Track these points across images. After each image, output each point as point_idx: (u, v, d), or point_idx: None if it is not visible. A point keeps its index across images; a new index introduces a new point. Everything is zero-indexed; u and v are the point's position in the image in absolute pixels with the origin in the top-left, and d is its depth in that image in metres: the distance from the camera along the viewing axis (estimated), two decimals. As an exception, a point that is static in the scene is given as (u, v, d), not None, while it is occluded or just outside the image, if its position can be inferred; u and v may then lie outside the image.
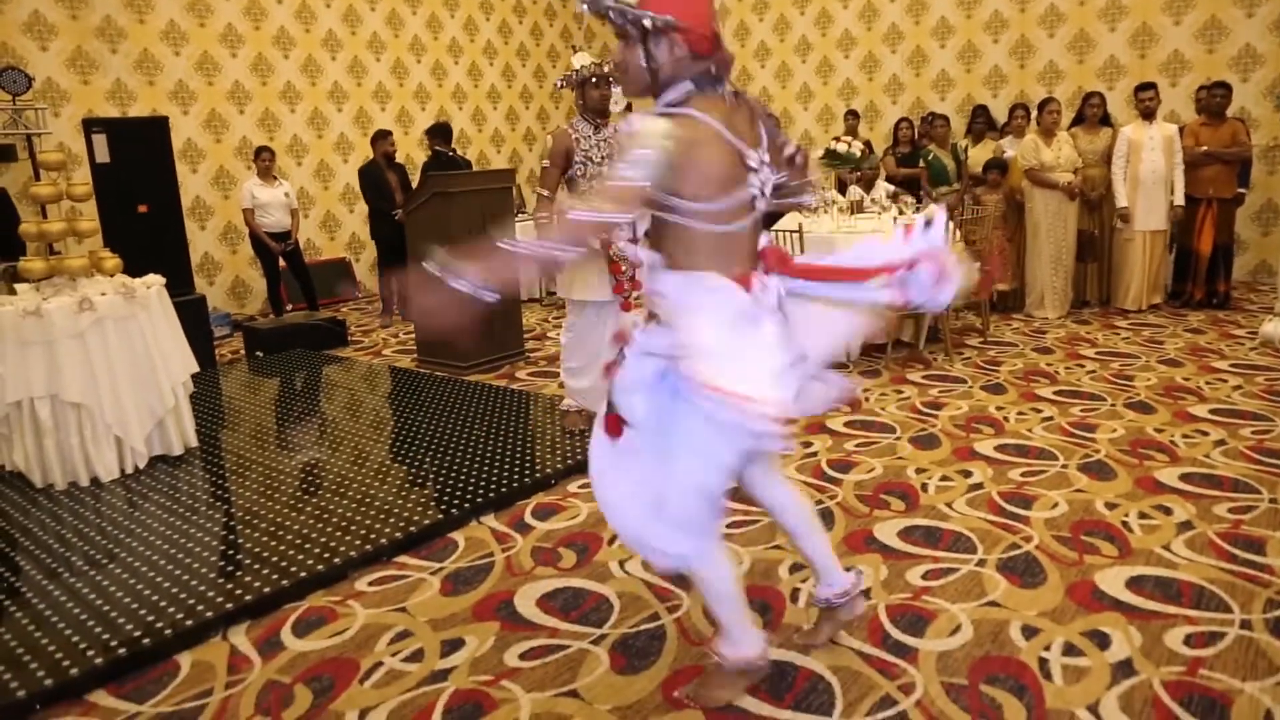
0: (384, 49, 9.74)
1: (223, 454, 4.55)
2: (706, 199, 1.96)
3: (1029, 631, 2.52)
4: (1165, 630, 2.49)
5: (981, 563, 2.94)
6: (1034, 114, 7.11)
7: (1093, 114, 6.94)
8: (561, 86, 4.41)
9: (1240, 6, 7.67)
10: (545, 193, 4.24)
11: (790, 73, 10.24)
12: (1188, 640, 2.44)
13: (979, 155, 7.45)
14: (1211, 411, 4.39)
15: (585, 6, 1.96)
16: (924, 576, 2.87)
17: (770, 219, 6.47)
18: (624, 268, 4.24)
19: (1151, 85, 6.75)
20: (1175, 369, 5.20)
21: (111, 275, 4.40)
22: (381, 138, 7.79)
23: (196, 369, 4.63)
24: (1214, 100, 6.72)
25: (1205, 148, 6.62)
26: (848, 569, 2.47)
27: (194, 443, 4.58)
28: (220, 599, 2.92)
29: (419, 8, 10.03)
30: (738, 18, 10.49)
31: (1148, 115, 6.66)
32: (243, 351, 7.01)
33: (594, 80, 4.20)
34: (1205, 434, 4.08)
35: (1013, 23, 8.77)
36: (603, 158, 4.20)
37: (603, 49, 11.57)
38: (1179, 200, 6.63)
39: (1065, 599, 2.69)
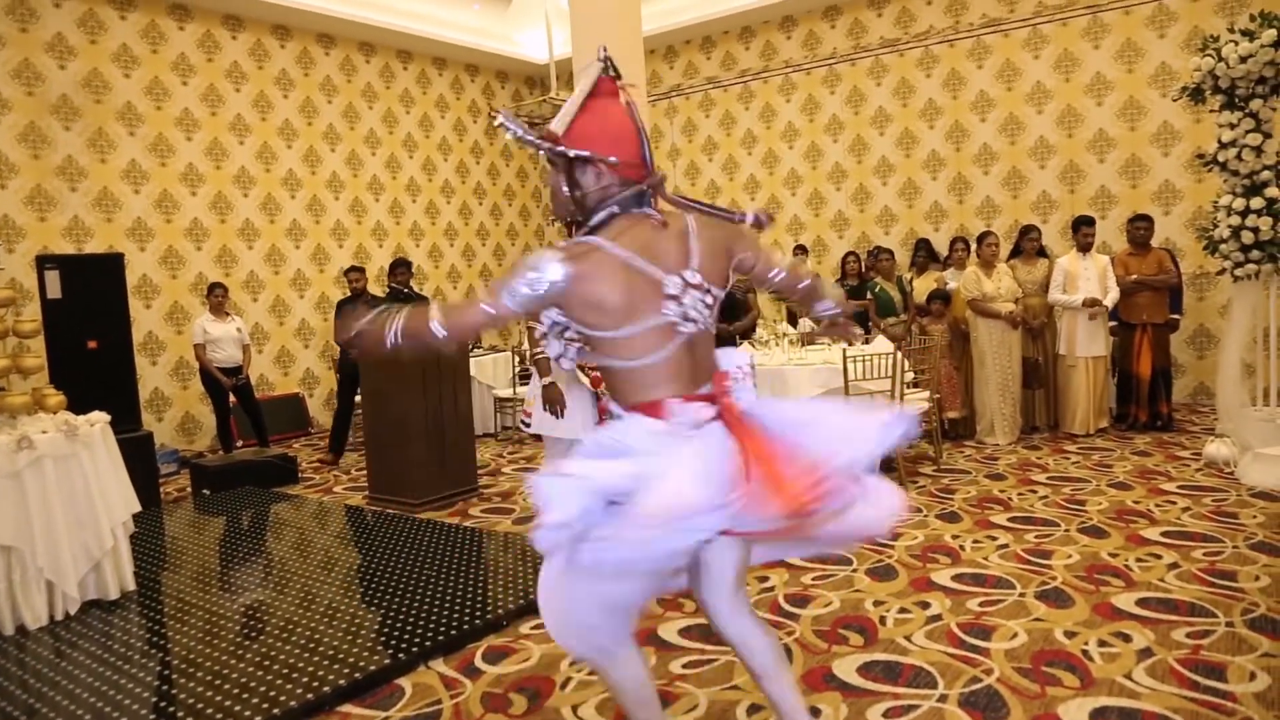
0: (343, 188, 9.96)
1: (162, 597, 4.36)
2: (609, 328, 1.99)
3: (995, 771, 2.45)
4: (1132, 766, 2.43)
5: (943, 698, 2.88)
6: (974, 247, 7.41)
7: (1030, 247, 7.26)
8: (564, 223, 4.49)
9: (1156, 146, 8.17)
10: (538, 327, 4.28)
11: (740, 208, 10.60)
12: (1155, 776, 2.38)
13: (922, 286, 7.71)
14: (1163, 534, 4.43)
15: (510, 136, 2.02)
16: (885, 715, 2.79)
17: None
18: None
19: (1090, 220, 7.10)
20: (1125, 492, 5.27)
21: (54, 413, 4.31)
22: (348, 274, 7.93)
23: (138, 508, 4.49)
24: (1138, 232, 7.07)
25: (1135, 276, 6.93)
26: (813, 711, 2.39)
27: (131, 586, 4.39)
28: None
29: (378, 149, 10.33)
30: (688, 158, 10.93)
31: (1086, 249, 6.97)
32: (189, 489, 6.83)
33: None
34: (1158, 557, 4.10)
35: (949, 161, 9.23)
36: None
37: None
38: (1108, 303, 6.84)
39: (1030, 735, 2.63)
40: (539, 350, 4.24)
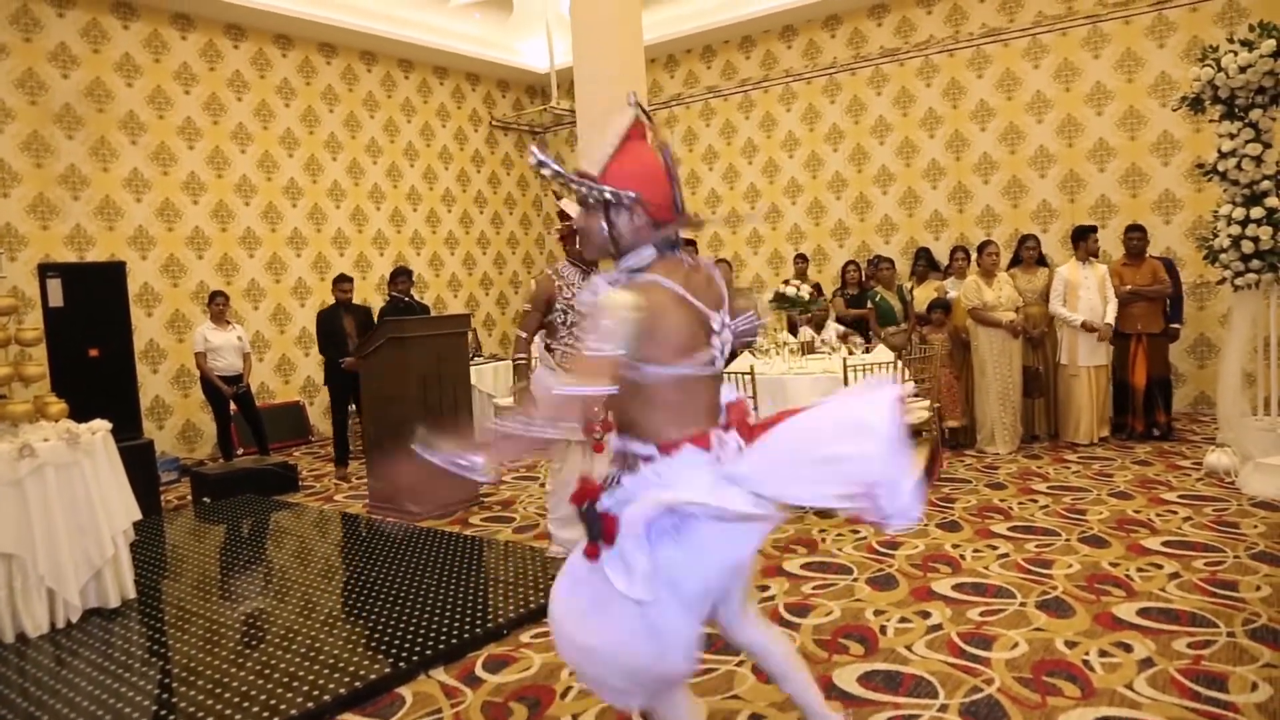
0: (344, 196, 9.98)
1: (163, 605, 4.36)
2: (669, 364, 2.01)
3: (996, 781, 2.44)
4: (1133, 776, 2.43)
5: (944, 708, 2.87)
6: (974, 256, 7.42)
7: (1029, 256, 7.27)
8: (558, 238, 4.51)
9: (1156, 155, 8.18)
10: (524, 334, 4.30)
11: (739, 217, 10.63)
12: (1156, 787, 2.38)
13: (923, 295, 7.72)
14: (1164, 544, 4.43)
15: (547, 175, 2.04)
16: (887, 724, 2.79)
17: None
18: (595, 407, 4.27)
19: (1095, 229, 7.10)
20: (1126, 501, 5.27)
21: (56, 420, 4.32)
22: (336, 283, 7.84)
23: (139, 516, 4.51)
24: (1132, 242, 7.09)
25: (1129, 286, 6.94)
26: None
27: (132, 594, 4.39)
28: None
29: (380, 157, 10.35)
30: (688, 166, 10.95)
31: (1094, 254, 6.98)
32: (190, 497, 6.83)
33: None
34: (1159, 567, 4.10)
35: (949, 170, 9.25)
36: (563, 307, 4.28)
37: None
38: (1109, 319, 6.88)
39: (1031, 745, 2.62)
40: (520, 355, 4.25)
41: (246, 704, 3.14)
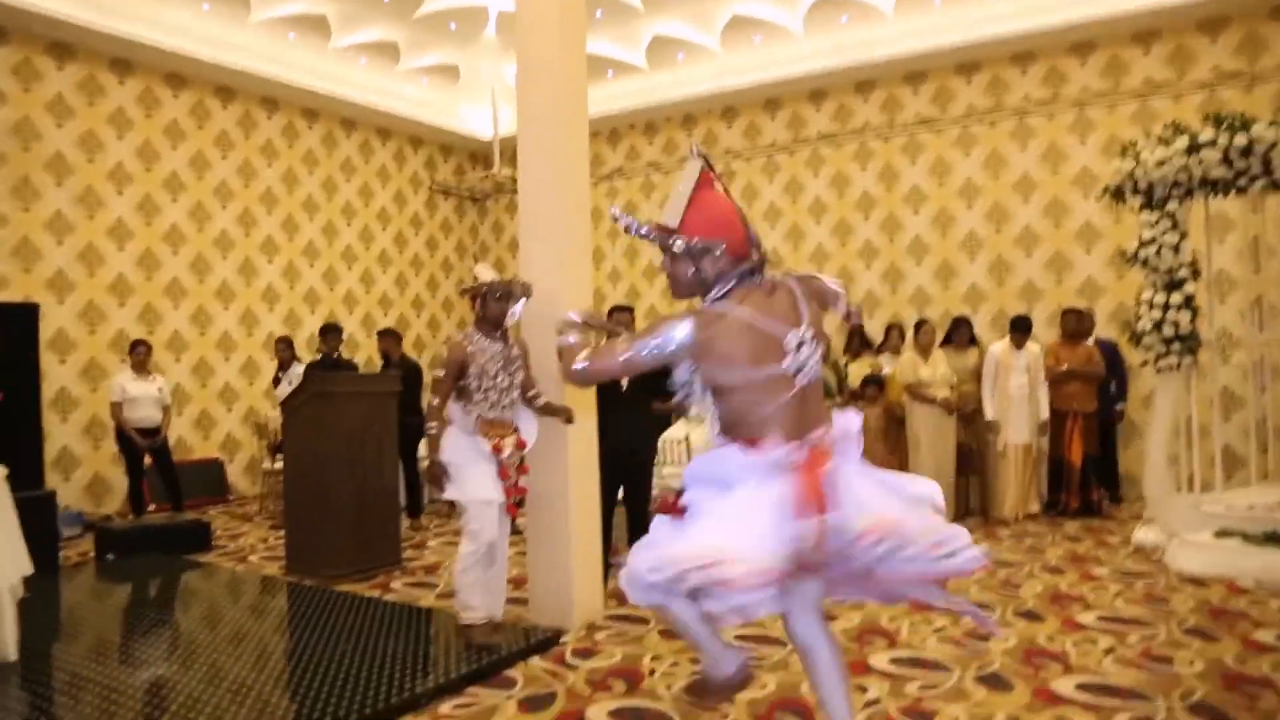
0: (277, 251, 9.78)
1: (50, 670, 4.02)
2: (734, 379, 2.28)
3: None
4: None
5: (887, 783, 2.76)
6: (909, 334, 7.54)
7: (961, 336, 7.41)
8: (463, 294, 4.43)
9: (1080, 243, 8.50)
10: (435, 401, 4.15)
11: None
12: None
13: (857, 371, 7.77)
14: (1098, 618, 4.43)
15: (632, 233, 2.33)
16: (828, 800, 2.66)
17: None
18: (510, 473, 4.16)
19: (1028, 324, 7.24)
20: (1058, 576, 5.28)
21: (-54, 465, 4.02)
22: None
23: (30, 570, 4.17)
24: (1069, 323, 7.30)
25: (1066, 365, 7.11)
26: None
27: (13, 656, 4.03)
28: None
29: (316, 214, 10.20)
30: (627, 240, 11.01)
31: (1020, 346, 7.13)
32: (93, 554, 6.42)
33: (497, 294, 4.24)
34: (1094, 642, 4.08)
35: (883, 251, 9.47)
36: (497, 371, 4.18)
37: (497, 262, 11.92)
38: (1044, 415, 7.03)
39: (977, 822, 2.52)
40: (431, 425, 4.12)
41: (138, 776, 2.87)
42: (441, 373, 4.16)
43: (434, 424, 4.13)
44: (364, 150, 10.82)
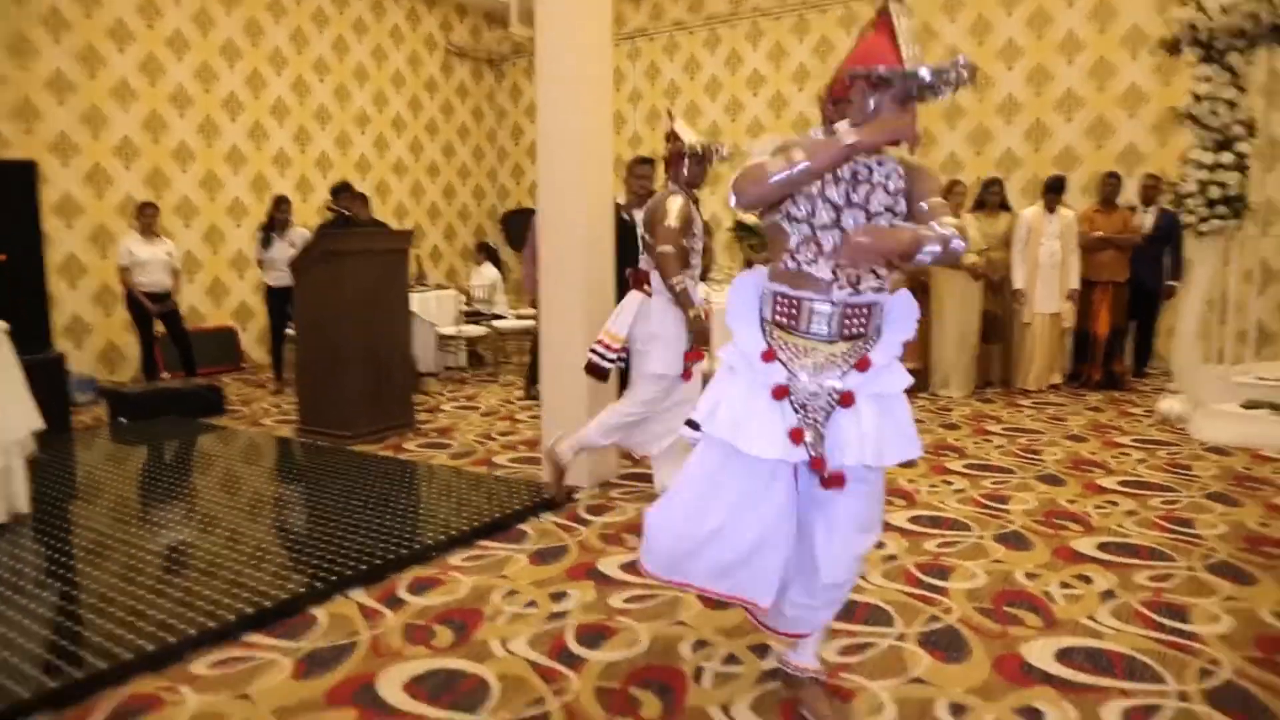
0: (288, 114, 9.46)
1: (60, 524, 4.02)
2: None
3: (957, 710, 2.28)
4: (1100, 704, 2.28)
5: (902, 637, 2.70)
6: (938, 197, 7.23)
7: (992, 200, 7.09)
8: (676, 154, 4.04)
9: (1124, 108, 8.05)
10: (671, 249, 3.80)
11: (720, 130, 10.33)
12: (1126, 715, 2.23)
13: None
14: (1119, 483, 4.33)
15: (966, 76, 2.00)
16: (841, 652, 2.61)
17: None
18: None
19: (1061, 179, 6.91)
20: (1080, 444, 5.17)
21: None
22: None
23: (41, 425, 4.13)
24: (1108, 187, 6.95)
25: (1100, 232, 6.81)
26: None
27: (24, 509, 4.04)
28: (19, 687, 2.45)
29: (327, 77, 9.83)
30: (650, 101, 10.60)
31: (1053, 209, 6.82)
32: (107, 419, 6.43)
33: (699, 156, 3.95)
34: (1115, 504, 3.98)
35: (918, 115, 9.02)
36: (700, 234, 3.95)
37: (514, 128, 11.53)
38: (1074, 283, 6.77)
39: (993, 674, 2.46)
40: (680, 280, 3.80)
41: (140, 623, 2.85)
42: (674, 224, 3.80)
43: (680, 278, 3.80)
44: (375, 9, 10.34)
